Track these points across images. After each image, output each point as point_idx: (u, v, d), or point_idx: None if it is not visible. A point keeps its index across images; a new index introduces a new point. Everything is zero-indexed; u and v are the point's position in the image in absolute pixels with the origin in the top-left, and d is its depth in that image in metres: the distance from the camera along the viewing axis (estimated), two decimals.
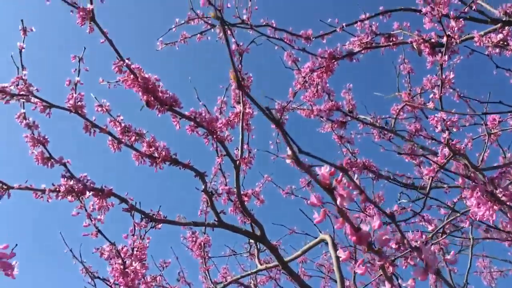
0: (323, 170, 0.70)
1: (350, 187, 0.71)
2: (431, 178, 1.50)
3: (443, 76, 1.57)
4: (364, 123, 2.81)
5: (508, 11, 2.02)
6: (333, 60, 2.14)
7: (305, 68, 2.19)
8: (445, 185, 2.56)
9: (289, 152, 0.67)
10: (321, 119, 2.79)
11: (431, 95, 1.61)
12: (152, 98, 1.62)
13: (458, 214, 1.75)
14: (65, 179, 1.77)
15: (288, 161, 0.67)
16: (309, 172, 0.68)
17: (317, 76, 2.19)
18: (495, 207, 0.98)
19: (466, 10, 1.67)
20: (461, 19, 1.58)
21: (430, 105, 1.64)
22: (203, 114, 1.81)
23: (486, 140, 1.77)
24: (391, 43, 2.11)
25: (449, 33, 1.55)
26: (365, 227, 0.74)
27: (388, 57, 2.32)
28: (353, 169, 2.54)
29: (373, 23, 2.20)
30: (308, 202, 0.74)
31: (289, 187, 3.24)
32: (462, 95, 2.01)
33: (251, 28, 2.19)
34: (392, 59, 2.59)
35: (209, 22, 2.21)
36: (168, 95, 1.68)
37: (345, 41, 2.29)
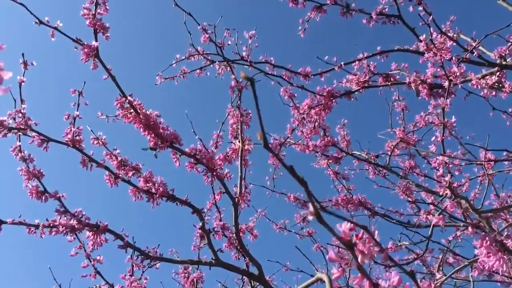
0: (344, 227, 0.70)
1: (371, 244, 0.71)
2: (432, 224, 1.50)
3: (445, 120, 1.59)
4: (358, 159, 2.82)
5: (503, 54, 2.08)
6: (332, 98, 2.16)
7: (303, 105, 2.20)
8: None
9: (312, 209, 0.66)
10: (316, 154, 2.80)
11: (433, 138, 1.63)
12: (155, 137, 1.60)
13: (467, 263, 1.74)
14: (60, 214, 1.74)
15: (310, 217, 0.67)
16: (330, 229, 0.67)
17: (315, 113, 2.20)
18: (505, 257, 0.98)
19: (467, 56, 1.71)
20: (462, 65, 1.61)
21: (432, 148, 1.65)
22: (203, 151, 1.80)
23: (487, 184, 1.78)
24: (389, 83, 2.14)
25: (451, 77, 1.58)
26: (384, 284, 0.72)
27: (383, 94, 2.35)
28: (349, 205, 2.54)
29: (371, 62, 2.24)
30: (327, 257, 0.73)
31: (283, 221, 3.21)
32: (465, 143, 2.04)
33: (250, 65, 2.21)
34: (386, 96, 2.63)
35: (209, 58, 2.23)
36: (169, 132, 1.67)
37: (343, 79, 2.33)
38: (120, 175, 1.83)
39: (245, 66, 2.21)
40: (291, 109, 2.42)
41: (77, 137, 1.76)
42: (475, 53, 1.78)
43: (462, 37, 2.41)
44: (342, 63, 2.24)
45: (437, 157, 1.47)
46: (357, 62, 2.23)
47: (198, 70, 2.25)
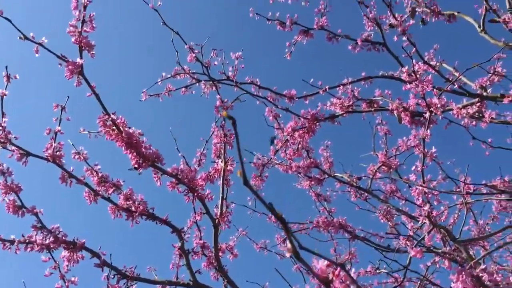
0: (321, 264, 0.70)
1: (348, 282, 0.71)
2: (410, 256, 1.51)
3: (426, 150, 1.62)
4: (340, 181, 2.83)
5: (483, 84, 2.12)
6: (315, 122, 2.17)
7: (287, 127, 2.22)
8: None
9: (289, 246, 0.66)
10: (299, 175, 2.80)
11: (413, 167, 1.65)
12: (137, 156, 1.59)
13: None
14: (36, 229, 1.71)
15: (287, 254, 0.67)
16: (308, 266, 0.67)
17: (299, 135, 2.22)
18: None
19: (449, 88, 1.74)
20: (443, 96, 1.64)
21: (412, 177, 1.67)
22: (185, 171, 1.79)
23: (465, 212, 1.80)
24: (372, 109, 2.16)
25: (432, 108, 1.61)
26: None
27: (366, 118, 2.37)
28: (330, 228, 2.54)
29: (355, 88, 2.27)
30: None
31: (263, 241, 3.20)
32: (446, 175, 2.07)
33: (236, 86, 2.21)
34: (369, 120, 2.65)
35: (195, 76, 2.23)
36: (151, 151, 1.66)
37: (327, 102, 2.35)
38: (100, 192, 1.81)
39: (231, 86, 2.22)
40: (275, 130, 2.44)
41: (57, 153, 1.73)
42: (456, 85, 1.81)
43: (444, 66, 2.46)
44: (327, 87, 2.26)
45: (417, 187, 1.49)
46: (341, 87, 2.26)
47: (183, 88, 2.25)
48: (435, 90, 1.60)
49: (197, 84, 2.25)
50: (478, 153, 2.21)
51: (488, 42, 2.03)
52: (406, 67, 1.70)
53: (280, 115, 2.41)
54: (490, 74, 2.10)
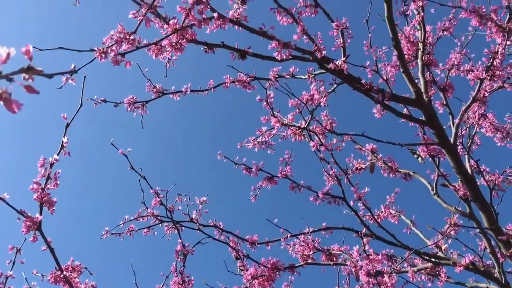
0: None
1: None
2: None
3: None
4: None
5: (439, 244, 2.19)
6: (275, 271, 2.17)
7: (247, 274, 2.20)
8: None
9: None
10: None
11: None
12: None
13: None
14: None
15: None
16: None
17: (258, 283, 2.20)
18: None
19: (398, 268, 1.80)
20: (393, 275, 1.69)
21: None
22: None
23: None
24: (331, 263, 2.19)
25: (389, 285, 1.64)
26: None
27: (326, 271, 2.38)
28: None
29: (316, 238, 2.31)
30: None
31: None
32: None
33: (198, 229, 2.23)
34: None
35: (159, 218, 2.25)
36: None
37: (288, 249, 2.38)
38: None
39: (194, 229, 2.24)
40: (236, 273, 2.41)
41: None
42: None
43: (402, 217, 2.55)
44: (288, 235, 2.29)
45: None
46: (302, 236, 2.30)
47: (145, 229, 2.25)
48: (385, 268, 1.65)
49: (160, 225, 2.27)
50: None
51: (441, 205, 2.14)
52: (357, 247, 1.76)
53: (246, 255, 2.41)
54: (444, 234, 2.18)
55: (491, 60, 1.82)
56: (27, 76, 0.57)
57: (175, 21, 1.58)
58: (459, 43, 2.31)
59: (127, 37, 1.47)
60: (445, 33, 2.17)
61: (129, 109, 2.06)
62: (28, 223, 1.46)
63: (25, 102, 0.56)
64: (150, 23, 1.50)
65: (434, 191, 2.21)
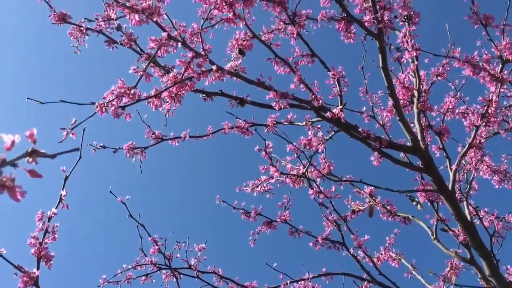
0: None
1: None
2: None
3: None
4: None
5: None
6: None
7: None
8: None
9: None
10: None
11: None
12: None
13: None
14: None
15: None
16: None
17: None
18: None
19: None
20: None
21: None
22: None
23: None
24: None
25: None
26: None
27: None
28: None
29: (316, 285, 2.29)
30: None
31: None
32: None
33: (197, 277, 2.21)
34: None
35: (157, 265, 2.23)
36: None
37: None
38: None
39: (192, 277, 2.21)
40: None
41: None
42: None
43: (403, 261, 2.53)
44: (288, 281, 2.27)
45: None
46: (302, 282, 2.27)
47: (143, 277, 2.22)
48: None
49: (158, 272, 2.24)
50: None
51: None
52: None
53: None
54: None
55: (486, 108, 1.85)
56: (30, 160, 0.58)
57: (175, 73, 1.60)
58: (453, 87, 2.35)
59: (127, 91, 1.49)
60: (439, 78, 2.21)
61: (128, 155, 2.06)
62: (25, 278, 1.44)
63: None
64: (150, 77, 1.53)
65: (434, 236, 2.20)
